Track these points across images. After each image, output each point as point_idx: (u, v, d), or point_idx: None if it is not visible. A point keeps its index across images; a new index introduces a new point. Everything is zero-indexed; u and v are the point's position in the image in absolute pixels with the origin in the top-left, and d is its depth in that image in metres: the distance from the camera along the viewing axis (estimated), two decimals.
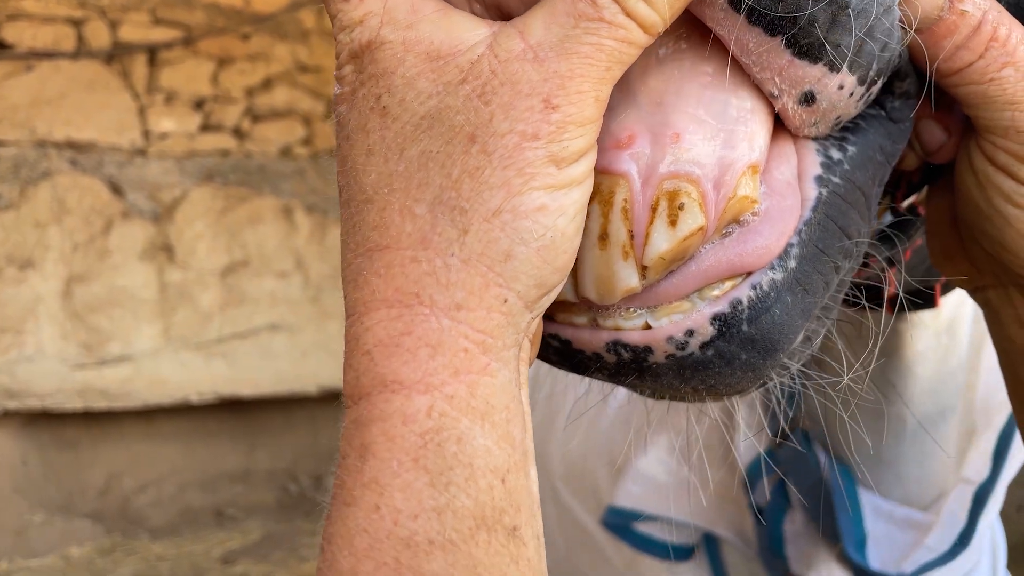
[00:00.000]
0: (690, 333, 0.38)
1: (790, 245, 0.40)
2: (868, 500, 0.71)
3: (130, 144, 5.05)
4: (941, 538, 0.69)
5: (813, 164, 0.41)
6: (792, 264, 0.39)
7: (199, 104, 5.26)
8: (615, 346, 0.41)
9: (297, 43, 5.53)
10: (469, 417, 0.33)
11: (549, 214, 0.34)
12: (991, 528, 0.85)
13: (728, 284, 0.39)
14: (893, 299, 0.61)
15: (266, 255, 5.26)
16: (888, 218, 0.53)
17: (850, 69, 0.40)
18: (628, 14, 0.36)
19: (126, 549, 4.70)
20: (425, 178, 0.34)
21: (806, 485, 0.72)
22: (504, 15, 0.40)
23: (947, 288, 0.69)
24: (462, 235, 0.34)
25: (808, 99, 0.40)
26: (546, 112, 0.34)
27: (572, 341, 0.42)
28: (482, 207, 0.34)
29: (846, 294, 0.48)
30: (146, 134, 5.10)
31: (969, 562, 0.78)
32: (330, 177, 5.55)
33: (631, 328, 0.40)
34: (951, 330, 0.73)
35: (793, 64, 0.39)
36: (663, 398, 0.45)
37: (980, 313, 0.79)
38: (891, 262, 0.55)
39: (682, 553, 1.04)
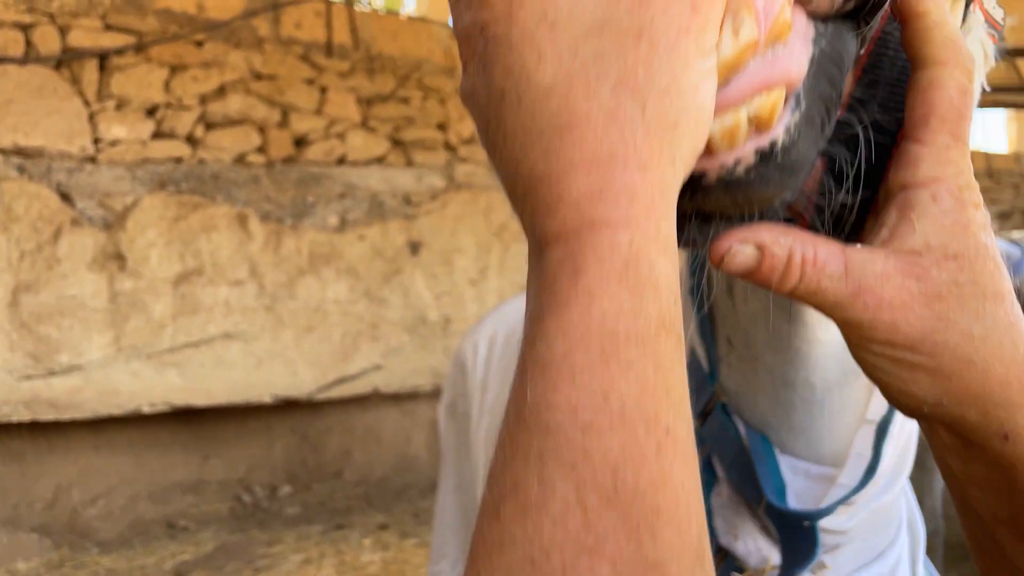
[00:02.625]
0: (738, 162, 0.48)
1: (798, 92, 0.49)
2: (785, 461, 0.77)
3: (80, 151, 4.98)
4: (851, 475, 0.76)
5: (809, 26, 0.51)
6: (804, 104, 0.50)
7: (151, 111, 5.21)
8: None
9: (251, 50, 5.50)
10: (656, 249, 0.42)
11: (699, 93, 0.44)
12: (906, 497, 0.90)
13: (768, 95, 0.49)
14: None
15: (220, 263, 5.22)
16: None
17: None
18: None
19: (75, 563, 4.61)
20: (603, 69, 0.43)
21: (729, 456, 0.78)
22: None
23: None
24: (642, 110, 0.42)
25: None
26: (693, 14, 0.43)
27: None
28: (655, 87, 0.43)
29: None
30: (96, 141, 5.04)
31: (888, 535, 0.83)
32: (285, 185, 5.53)
33: None
34: None
35: None
36: (709, 218, 0.53)
37: None
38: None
39: None
